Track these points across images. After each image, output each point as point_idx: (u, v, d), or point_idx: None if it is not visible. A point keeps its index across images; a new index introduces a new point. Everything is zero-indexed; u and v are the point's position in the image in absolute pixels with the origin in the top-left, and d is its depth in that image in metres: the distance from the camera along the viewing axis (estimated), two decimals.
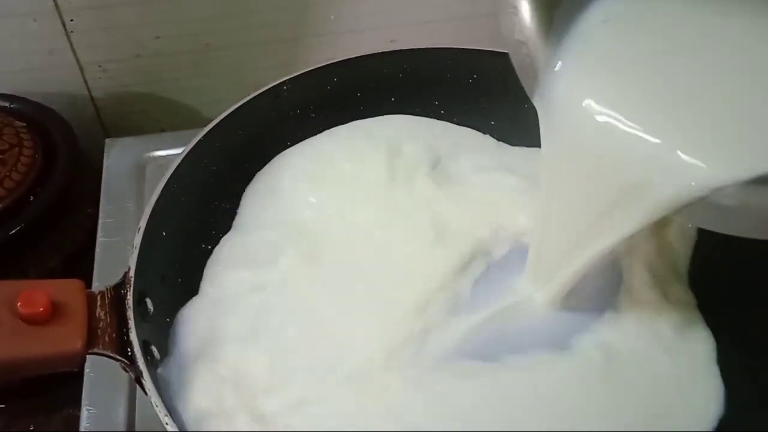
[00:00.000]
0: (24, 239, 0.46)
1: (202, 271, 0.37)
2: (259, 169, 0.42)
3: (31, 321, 0.28)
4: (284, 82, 0.42)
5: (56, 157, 0.49)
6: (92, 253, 0.47)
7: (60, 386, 0.54)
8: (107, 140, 0.52)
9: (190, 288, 0.36)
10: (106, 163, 0.50)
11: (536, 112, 0.34)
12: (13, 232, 0.45)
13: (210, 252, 0.38)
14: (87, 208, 0.51)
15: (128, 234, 0.46)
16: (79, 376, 0.54)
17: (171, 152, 0.50)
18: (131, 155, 0.50)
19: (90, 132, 0.57)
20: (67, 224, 0.49)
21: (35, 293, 0.28)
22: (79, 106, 0.56)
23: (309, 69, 0.42)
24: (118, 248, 0.45)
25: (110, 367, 0.38)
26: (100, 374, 0.39)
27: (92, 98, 0.57)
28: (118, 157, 0.50)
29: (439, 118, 0.45)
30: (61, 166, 0.48)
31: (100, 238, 0.45)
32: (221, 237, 0.39)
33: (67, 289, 0.29)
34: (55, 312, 0.28)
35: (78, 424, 0.54)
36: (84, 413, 0.38)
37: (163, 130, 0.59)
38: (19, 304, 0.28)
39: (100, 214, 0.46)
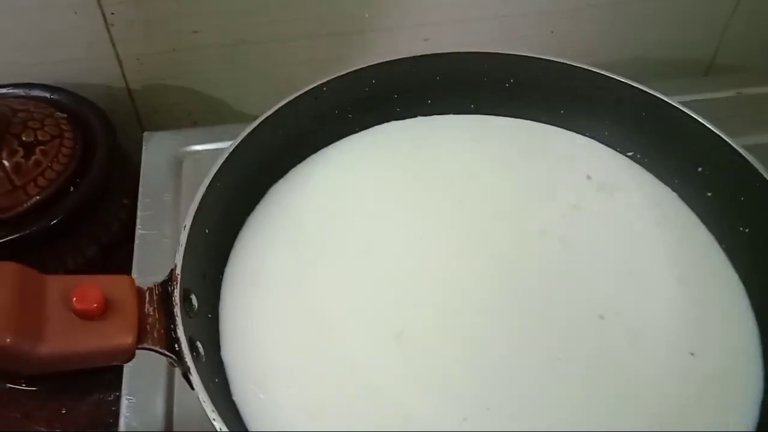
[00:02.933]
0: (63, 229, 0.47)
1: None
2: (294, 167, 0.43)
3: (85, 316, 0.28)
4: (324, 83, 0.42)
5: (95, 148, 0.50)
6: (128, 243, 0.48)
7: (90, 371, 0.55)
8: (145, 134, 0.53)
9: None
10: (144, 156, 0.51)
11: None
12: (54, 222, 0.46)
13: None
14: (123, 200, 0.52)
15: (165, 227, 0.47)
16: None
17: (208, 147, 0.51)
18: (168, 149, 0.51)
19: (125, 124, 0.58)
20: (104, 215, 0.50)
21: (89, 289, 0.29)
22: (116, 97, 0.57)
23: (347, 71, 0.43)
24: (156, 241, 0.46)
25: (149, 358, 0.39)
26: (139, 365, 0.40)
27: (129, 90, 0.58)
28: (155, 151, 0.51)
29: None
30: (100, 158, 0.49)
31: (139, 231, 0.46)
32: None
33: (118, 285, 0.30)
34: (106, 307, 0.29)
35: (109, 409, 0.55)
36: (124, 402, 0.39)
37: (195, 123, 0.60)
38: (73, 299, 0.28)
39: (139, 207, 0.47)
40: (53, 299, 0.28)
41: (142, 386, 0.39)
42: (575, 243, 0.39)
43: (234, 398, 0.33)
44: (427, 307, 0.36)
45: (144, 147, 0.51)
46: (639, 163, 0.43)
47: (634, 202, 0.41)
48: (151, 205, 0.48)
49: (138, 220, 0.47)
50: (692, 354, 0.34)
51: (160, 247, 0.45)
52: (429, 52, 0.44)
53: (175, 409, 0.39)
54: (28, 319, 0.27)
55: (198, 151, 0.51)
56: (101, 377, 0.55)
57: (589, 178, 0.43)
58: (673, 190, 0.42)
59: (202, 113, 0.60)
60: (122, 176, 0.53)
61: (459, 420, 0.32)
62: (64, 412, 0.55)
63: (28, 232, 0.45)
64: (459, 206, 0.41)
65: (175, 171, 0.50)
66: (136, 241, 0.46)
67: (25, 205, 0.45)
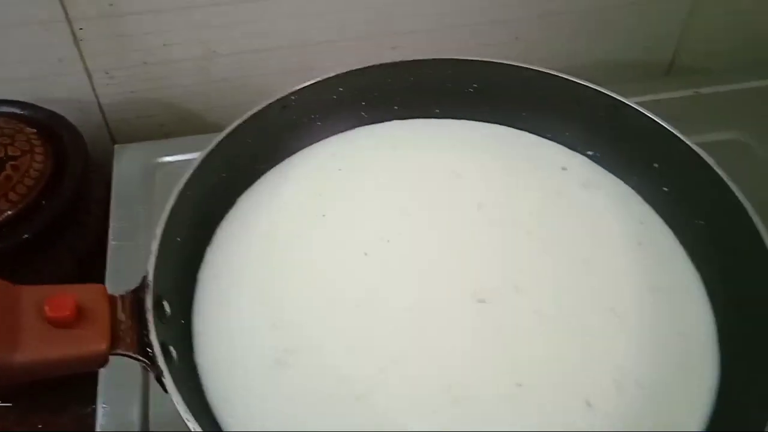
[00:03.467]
0: (38, 243, 0.47)
1: None
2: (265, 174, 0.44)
3: (58, 324, 0.29)
4: (292, 92, 0.43)
5: (66, 162, 0.50)
6: (103, 256, 0.49)
7: (67, 385, 0.55)
8: (116, 146, 0.53)
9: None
10: (116, 168, 0.51)
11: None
12: (27, 236, 0.46)
13: None
14: (97, 212, 0.53)
15: (139, 238, 0.47)
16: (87, 375, 0.55)
17: (179, 158, 0.51)
18: (140, 161, 0.52)
19: (97, 138, 0.58)
20: (78, 228, 0.50)
21: (61, 298, 0.29)
22: (87, 111, 0.58)
23: (315, 80, 0.44)
24: (129, 252, 0.47)
25: (123, 365, 0.39)
26: (114, 373, 0.40)
27: (99, 104, 0.58)
28: (127, 163, 0.52)
29: None
30: (72, 172, 0.50)
31: (112, 242, 0.46)
32: None
33: (90, 294, 0.31)
34: (79, 315, 0.30)
35: (86, 422, 0.55)
36: (99, 411, 0.39)
37: (167, 135, 0.61)
38: (46, 308, 0.29)
39: (111, 219, 0.48)
40: (27, 309, 0.29)
41: (118, 394, 0.40)
42: (539, 232, 0.41)
43: (208, 401, 0.33)
44: (408, 316, 0.37)
45: (115, 159, 0.52)
46: (597, 162, 0.45)
47: (594, 197, 0.43)
48: (124, 216, 0.48)
49: (110, 232, 0.47)
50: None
51: (133, 257, 0.46)
52: (394, 60, 0.45)
53: (150, 415, 0.39)
54: (2, 330, 0.28)
55: (169, 162, 0.52)
56: (79, 390, 0.55)
57: (550, 176, 0.44)
58: (631, 186, 0.43)
59: (174, 125, 0.61)
60: (96, 190, 0.53)
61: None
62: (41, 427, 0.55)
63: (1, 246, 0.45)
64: (429, 205, 0.42)
65: (147, 182, 0.50)
66: (109, 253, 0.46)
67: None
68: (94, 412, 0.54)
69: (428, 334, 0.36)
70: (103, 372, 0.41)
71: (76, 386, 0.55)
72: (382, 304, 0.37)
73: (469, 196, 0.43)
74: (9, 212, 0.46)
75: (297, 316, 0.36)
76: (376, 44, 0.59)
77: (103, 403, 0.40)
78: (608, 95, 0.43)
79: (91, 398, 0.55)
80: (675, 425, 0.33)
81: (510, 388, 0.34)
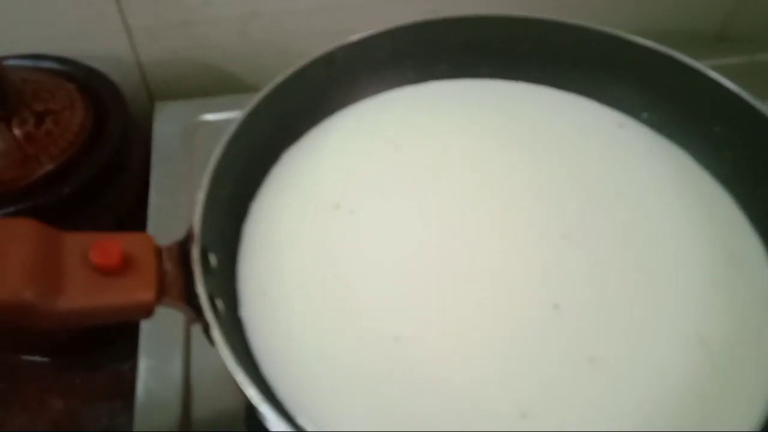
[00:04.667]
0: (77, 200, 0.47)
1: None
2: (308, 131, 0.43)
3: (104, 271, 0.28)
4: (338, 48, 0.42)
5: (107, 119, 0.50)
6: (142, 214, 0.48)
7: (105, 343, 0.55)
8: (157, 103, 0.53)
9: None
10: (156, 125, 0.50)
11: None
12: (67, 191, 0.46)
13: None
14: (136, 173, 0.52)
15: (179, 196, 0.47)
16: (126, 332, 0.55)
17: (221, 116, 0.51)
18: (181, 119, 0.51)
19: (135, 97, 0.58)
20: (118, 187, 0.50)
21: (108, 244, 0.29)
22: (126, 70, 0.57)
23: (362, 36, 0.43)
24: (170, 210, 0.46)
25: (165, 320, 0.39)
26: (156, 328, 0.40)
27: (139, 63, 0.57)
28: (167, 120, 0.51)
29: None
30: (112, 128, 0.49)
31: (153, 199, 0.46)
32: None
33: (136, 243, 0.30)
34: (126, 263, 0.29)
35: (124, 380, 0.56)
36: (141, 365, 0.39)
37: (207, 96, 0.60)
38: (92, 254, 0.28)
39: (152, 176, 0.47)
40: (71, 255, 0.28)
41: (159, 350, 0.39)
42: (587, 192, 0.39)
43: (252, 355, 0.33)
44: (444, 263, 0.36)
45: (156, 116, 0.51)
46: (653, 126, 0.43)
47: (648, 159, 0.41)
48: (164, 173, 0.48)
49: (151, 189, 0.47)
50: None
51: (173, 215, 0.45)
52: (442, 17, 0.44)
53: (192, 371, 0.39)
54: (46, 275, 0.27)
55: (211, 122, 0.51)
56: (116, 348, 0.56)
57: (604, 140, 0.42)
58: (689, 151, 0.42)
59: (213, 87, 0.60)
60: (134, 148, 0.53)
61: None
62: (79, 383, 0.55)
63: (41, 201, 0.45)
64: (478, 169, 0.41)
65: (187, 140, 0.50)
66: (150, 210, 0.46)
67: (37, 175, 0.45)
68: (132, 370, 0.55)
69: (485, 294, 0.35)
70: (144, 327, 0.40)
71: (115, 344, 0.55)
72: (430, 261, 0.36)
73: (519, 157, 0.41)
74: (50, 167, 0.46)
75: (343, 271, 0.35)
76: (416, 7, 0.58)
77: (146, 358, 0.39)
78: (668, 55, 0.41)
79: (130, 356, 0.55)
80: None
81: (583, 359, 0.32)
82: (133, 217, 0.49)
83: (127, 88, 0.54)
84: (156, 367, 0.39)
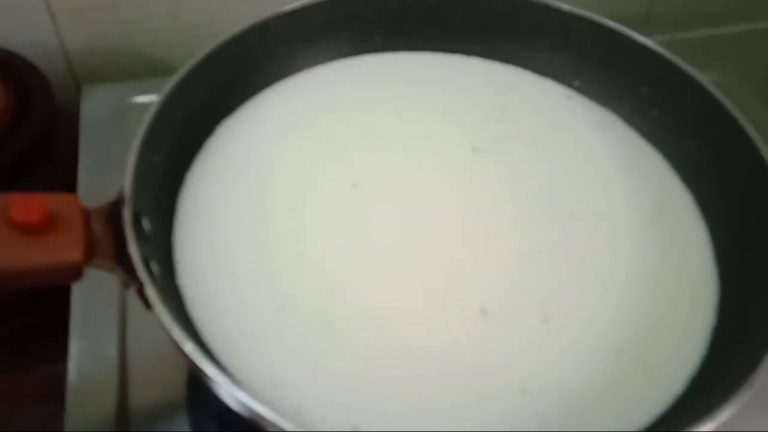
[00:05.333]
0: (4, 182, 0.44)
1: None
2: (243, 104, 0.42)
3: (26, 230, 0.27)
4: (271, 17, 0.41)
5: (30, 104, 0.48)
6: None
7: (38, 342, 0.52)
8: (84, 86, 0.51)
9: None
10: (84, 107, 0.48)
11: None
12: None
13: None
14: (63, 159, 0.50)
15: (109, 177, 0.45)
16: (50, 333, 0.53)
17: (152, 98, 0.49)
18: (110, 101, 0.49)
19: (62, 83, 0.55)
20: (43, 174, 0.48)
21: (30, 201, 0.27)
22: (51, 56, 0.55)
23: (295, 6, 0.42)
24: (99, 192, 0.44)
25: (98, 299, 0.37)
26: (88, 310, 0.38)
27: (64, 48, 0.55)
28: (96, 103, 0.49)
29: None
30: (36, 112, 0.47)
31: (82, 180, 0.44)
32: None
33: (62, 202, 0.29)
34: (50, 223, 0.27)
35: (60, 379, 0.53)
36: (73, 348, 0.37)
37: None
38: (12, 212, 0.27)
39: (80, 158, 0.45)
40: None
41: (93, 331, 0.37)
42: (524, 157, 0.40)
43: (193, 324, 0.31)
44: (391, 222, 0.36)
45: (83, 99, 0.49)
46: (581, 92, 0.44)
47: (580, 124, 0.42)
48: (93, 156, 0.46)
49: (79, 171, 0.44)
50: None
51: (103, 197, 0.43)
52: None
53: (128, 354, 0.37)
54: None
55: (141, 104, 0.49)
56: (46, 349, 0.53)
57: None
58: (618, 113, 0.43)
59: (142, 72, 0.58)
60: (61, 136, 0.51)
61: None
62: (7, 388, 0.52)
63: None
64: (405, 140, 0.41)
65: (117, 123, 0.48)
66: (79, 191, 0.44)
67: None
68: (64, 371, 0.52)
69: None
70: (75, 308, 0.38)
71: (47, 343, 0.53)
72: (366, 236, 0.36)
73: (457, 134, 0.41)
74: None
75: (280, 234, 0.35)
76: None
77: (78, 340, 0.37)
78: (594, 20, 0.43)
79: (61, 357, 0.53)
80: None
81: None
82: None
83: (52, 74, 0.52)
84: (89, 350, 0.37)
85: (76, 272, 0.28)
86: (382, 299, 0.33)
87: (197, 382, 0.36)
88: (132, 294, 0.32)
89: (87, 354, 0.37)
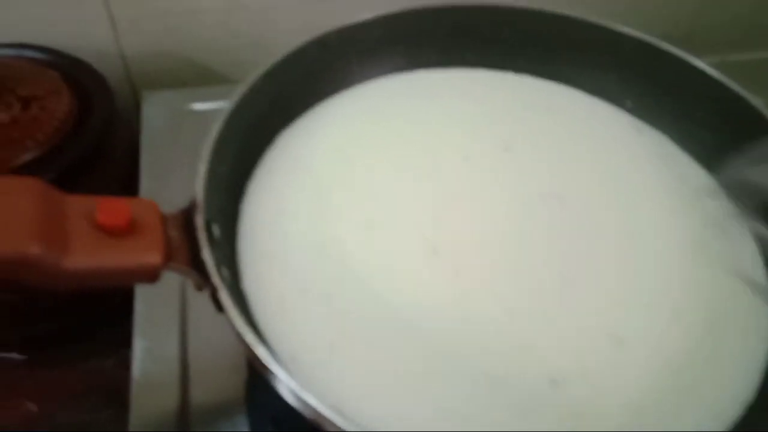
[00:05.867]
0: (60, 186, 0.46)
1: None
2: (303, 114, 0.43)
3: (111, 232, 0.28)
4: (331, 32, 0.42)
5: (91, 107, 0.49)
6: None
7: (82, 338, 0.54)
8: (144, 92, 0.52)
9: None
10: (145, 112, 0.50)
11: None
12: (52, 176, 0.45)
13: None
14: (119, 161, 0.51)
15: (169, 182, 0.46)
16: (102, 328, 0.54)
17: (209, 106, 0.50)
18: (167, 107, 0.51)
19: (118, 88, 0.57)
20: (101, 175, 0.49)
21: (115, 204, 0.28)
22: (109, 61, 0.56)
23: (355, 21, 0.43)
24: (160, 196, 0.45)
25: (160, 300, 0.39)
26: (150, 310, 0.39)
27: (122, 54, 0.57)
28: (154, 109, 0.50)
29: None
30: (96, 115, 0.49)
31: (144, 184, 0.45)
32: None
33: (142, 207, 0.30)
34: (132, 226, 0.29)
35: (102, 375, 0.54)
36: (137, 346, 0.38)
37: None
38: (98, 215, 0.28)
39: (141, 161, 0.47)
40: (77, 216, 0.28)
41: (155, 331, 0.39)
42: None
43: (257, 325, 0.32)
44: (449, 230, 0.36)
45: (144, 104, 0.51)
46: (634, 113, 0.45)
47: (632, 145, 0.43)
48: (153, 160, 0.47)
49: (141, 174, 0.46)
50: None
51: (166, 199, 0.45)
52: (433, 5, 0.45)
53: (189, 353, 0.38)
54: (53, 232, 0.27)
55: (198, 111, 0.51)
56: (95, 343, 0.54)
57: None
58: (670, 135, 0.43)
59: (195, 80, 0.59)
60: (118, 139, 0.52)
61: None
62: (54, 380, 0.53)
63: None
64: (464, 153, 0.42)
65: (175, 129, 0.49)
66: (140, 194, 0.45)
67: (22, 159, 0.44)
68: (113, 366, 0.53)
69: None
70: (138, 308, 0.39)
71: (91, 338, 0.54)
72: (427, 239, 0.36)
73: (492, 139, 0.42)
74: (34, 152, 0.45)
75: (341, 245, 0.36)
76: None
77: (141, 339, 0.38)
78: (647, 41, 0.43)
79: (109, 351, 0.54)
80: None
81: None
82: None
83: (109, 79, 0.54)
84: (152, 349, 0.38)
85: (154, 275, 0.29)
86: (452, 320, 0.33)
87: (256, 384, 0.37)
88: (192, 294, 0.33)
89: (150, 353, 0.38)
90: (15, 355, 0.53)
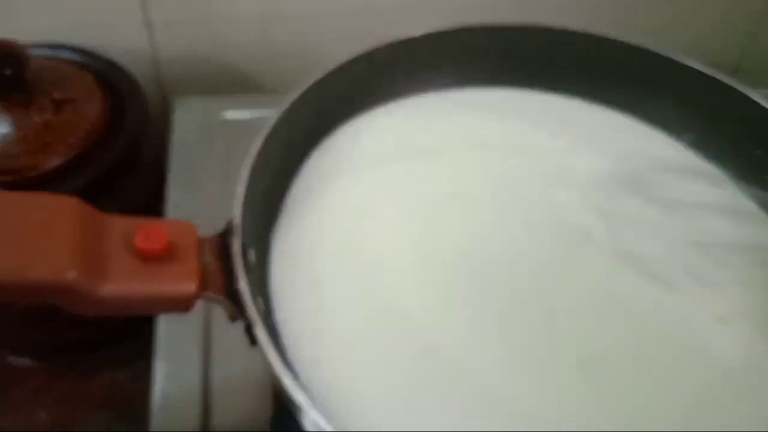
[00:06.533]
0: (90, 191, 0.44)
1: None
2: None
3: (148, 258, 0.26)
4: (380, 47, 0.41)
5: (123, 112, 0.48)
6: (153, 211, 0.46)
7: (102, 349, 0.53)
8: (176, 98, 0.51)
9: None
10: (176, 119, 0.48)
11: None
12: (82, 182, 0.44)
13: None
14: (149, 167, 0.50)
15: (198, 193, 0.45)
16: (120, 340, 0.53)
17: (241, 115, 0.49)
18: (199, 115, 0.49)
19: (150, 92, 0.56)
20: (132, 181, 0.48)
21: (154, 229, 0.27)
22: (141, 64, 0.55)
23: (403, 38, 0.42)
24: (187, 207, 0.44)
25: (180, 323, 0.37)
26: (172, 329, 0.38)
27: (156, 58, 0.56)
28: (185, 117, 0.49)
29: None
30: (129, 121, 0.47)
31: (171, 194, 0.44)
32: None
33: (179, 230, 0.28)
34: (169, 251, 0.27)
35: (120, 387, 0.53)
36: (157, 368, 0.36)
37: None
38: (137, 238, 0.26)
39: (170, 171, 0.45)
40: (115, 238, 0.26)
41: (177, 353, 0.37)
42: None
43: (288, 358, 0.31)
44: (481, 264, 0.35)
45: (176, 110, 0.49)
46: (692, 147, 0.43)
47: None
48: (182, 169, 0.45)
49: (169, 184, 0.44)
50: None
51: (191, 212, 0.43)
52: (481, 23, 0.43)
53: (212, 377, 0.36)
54: (91, 257, 0.25)
55: (230, 120, 0.49)
56: (113, 355, 0.53)
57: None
58: (729, 174, 0.41)
59: (228, 87, 0.58)
60: (148, 144, 0.51)
61: None
62: (70, 391, 0.52)
63: (58, 191, 0.42)
64: (504, 174, 0.40)
65: (206, 137, 0.48)
66: (168, 206, 0.44)
67: (54, 164, 0.43)
68: (129, 378, 0.52)
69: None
70: (160, 329, 0.38)
71: (111, 350, 0.53)
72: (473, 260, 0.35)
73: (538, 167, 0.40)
74: (65, 157, 0.44)
75: (383, 273, 0.34)
76: (440, 16, 0.57)
77: (162, 362, 0.36)
78: (708, 74, 0.41)
79: (128, 364, 0.53)
80: None
81: None
82: (146, 214, 0.47)
83: (143, 83, 0.52)
84: (173, 372, 0.36)
85: (187, 305, 0.27)
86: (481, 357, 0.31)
87: (283, 419, 0.35)
88: (215, 317, 0.31)
89: (171, 377, 0.36)
90: (32, 364, 0.52)
